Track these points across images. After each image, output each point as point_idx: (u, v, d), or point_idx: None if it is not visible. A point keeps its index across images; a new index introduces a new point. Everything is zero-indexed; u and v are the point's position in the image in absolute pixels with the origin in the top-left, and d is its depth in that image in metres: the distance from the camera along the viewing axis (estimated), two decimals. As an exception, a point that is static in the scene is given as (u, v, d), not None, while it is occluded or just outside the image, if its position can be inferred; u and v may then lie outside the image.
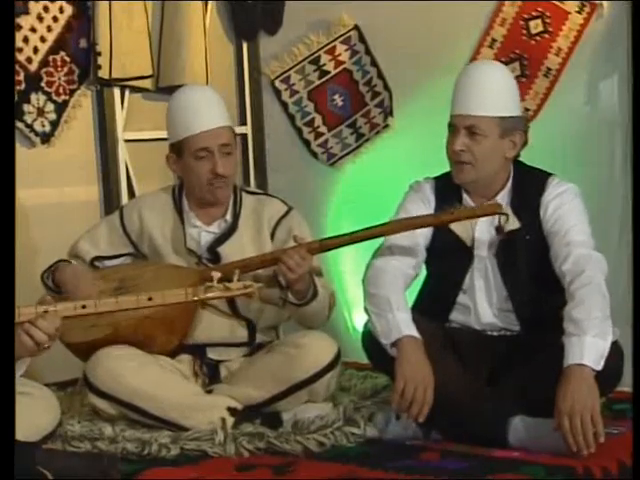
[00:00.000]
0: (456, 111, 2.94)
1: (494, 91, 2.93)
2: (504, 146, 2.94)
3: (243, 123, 4.29)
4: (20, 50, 3.66)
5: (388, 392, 3.06)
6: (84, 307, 2.66)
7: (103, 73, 3.80)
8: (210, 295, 2.78)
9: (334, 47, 4.09)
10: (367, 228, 3.02)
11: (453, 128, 2.94)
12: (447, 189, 3.04)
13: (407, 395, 2.71)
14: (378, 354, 2.89)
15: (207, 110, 3.14)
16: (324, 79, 4.14)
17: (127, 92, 3.96)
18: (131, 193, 3.96)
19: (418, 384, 2.72)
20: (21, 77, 3.67)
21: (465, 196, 3.01)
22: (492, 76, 2.97)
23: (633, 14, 3.21)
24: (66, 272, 3.12)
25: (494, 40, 3.68)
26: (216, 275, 2.77)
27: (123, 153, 3.96)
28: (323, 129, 4.18)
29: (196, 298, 2.78)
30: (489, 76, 2.96)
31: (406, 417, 2.75)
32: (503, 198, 2.97)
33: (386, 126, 4.00)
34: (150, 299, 2.74)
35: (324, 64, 4.13)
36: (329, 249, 3.11)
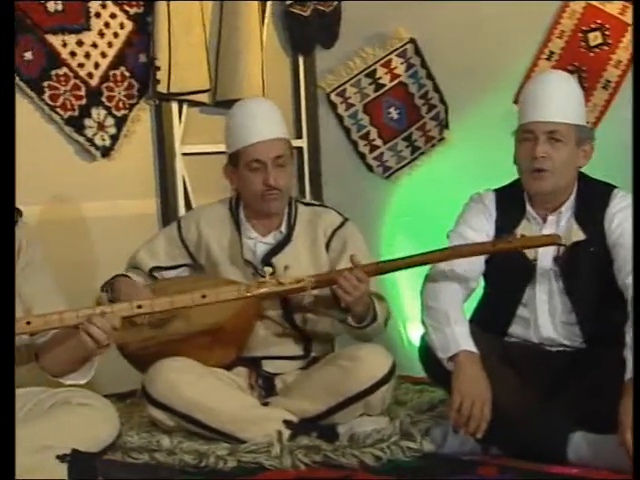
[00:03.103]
0: (533, 118, 2.90)
1: (571, 99, 2.93)
2: (579, 155, 2.93)
3: (299, 136, 4.31)
4: (82, 65, 3.73)
5: (445, 406, 3.04)
6: (140, 307, 2.69)
7: (162, 87, 3.85)
8: (263, 291, 2.78)
9: (390, 60, 4.10)
10: (425, 253, 2.97)
11: (530, 135, 2.90)
12: (509, 201, 3.02)
13: (464, 411, 2.70)
14: (435, 368, 2.88)
15: (262, 122, 3.15)
16: (380, 92, 4.15)
17: (185, 106, 4.00)
18: (188, 206, 3.99)
19: (475, 399, 2.70)
20: (82, 92, 3.73)
21: (528, 208, 2.98)
22: (567, 85, 2.97)
23: (633, 14, 3.19)
24: (122, 284, 3.16)
25: (552, 52, 3.66)
26: (269, 270, 2.77)
27: (180, 166, 4.00)
28: (378, 142, 4.18)
29: (249, 294, 2.78)
30: (565, 84, 2.96)
31: (463, 433, 2.73)
32: (567, 210, 2.95)
33: (442, 139, 4.00)
34: (204, 296, 2.75)
35: (380, 77, 4.14)
36: (386, 272, 3.08)
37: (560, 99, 2.91)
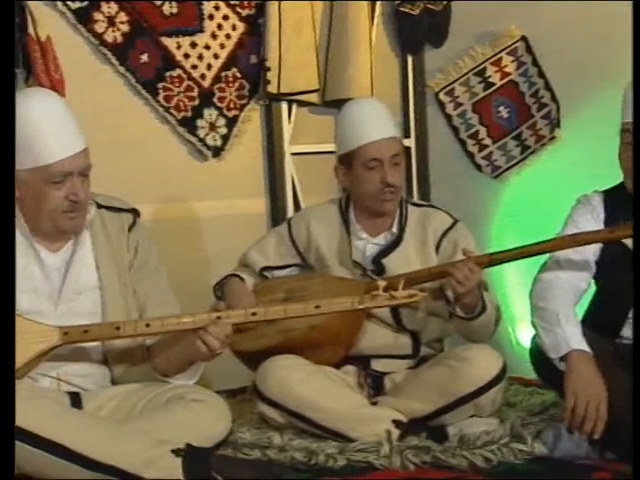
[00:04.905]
0: (629, 117, 2.86)
1: None
2: None
3: (407, 136, 4.31)
4: (195, 67, 3.80)
5: (557, 409, 3.01)
6: (254, 314, 2.71)
7: (272, 88, 3.90)
8: (376, 304, 2.79)
9: (500, 58, 4.07)
10: (537, 243, 2.97)
11: (630, 135, 2.86)
12: (618, 203, 2.96)
13: (579, 411, 2.66)
14: (547, 369, 2.85)
15: (377, 121, 3.17)
16: (489, 91, 4.12)
17: (294, 106, 4.04)
18: (297, 206, 4.03)
19: (590, 399, 2.66)
20: (195, 93, 3.80)
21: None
22: None
23: (633, 14, 3.12)
24: (229, 289, 3.21)
25: (664, 49, 3.58)
26: (382, 284, 2.78)
27: (289, 166, 4.04)
28: (487, 141, 4.15)
29: (362, 306, 2.78)
30: None
31: (579, 434, 2.70)
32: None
33: (552, 138, 3.95)
34: (317, 307, 2.77)
35: (489, 76, 4.11)
36: (498, 263, 3.08)
37: None
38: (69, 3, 3.52)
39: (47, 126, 2.58)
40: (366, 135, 3.13)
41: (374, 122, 3.15)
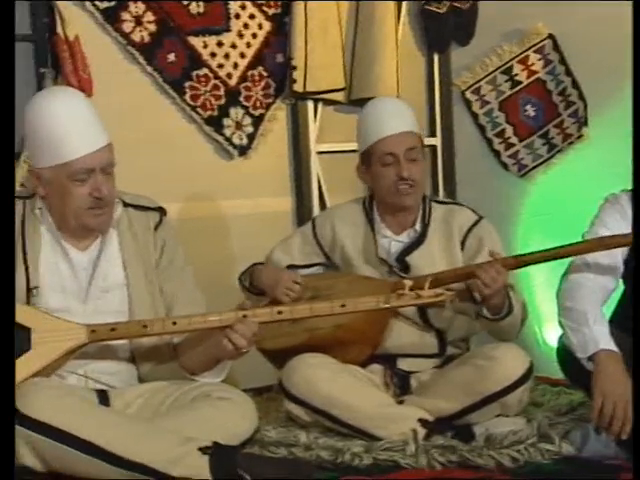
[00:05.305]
0: None
1: None
2: None
3: (433, 134, 4.30)
4: (221, 66, 3.80)
5: (585, 409, 2.99)
6: (280, 313, 2.72)
7: (298, 87, 3.90)
8: (402, 303, 2.78)
9: (527, 57, 4.06)
10: (564, 245, 2.95)
11: None
12: None
13: (607, 411, 2.65)
14: (574, 369, 2.84)
15: (392, 117, 3.18)
16: (516, 89, 4.11)
17: (320, 105, 4.04)
18: (322, 205, 4.03)
19: (618, 399, 2.65)
20: (221, 92, 3.81)
21: None
22: None
23: (633, 14, 3.10)
24: (262, 270, 3.22)
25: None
26: (408, 283, 2.78)
27: (315, 165, 4.04)
28: (514, 140, 4.14)
29: (387, 305, 2.78)
30: None
31: (606, 435, 2.68)
32: None
33: (580, 136, 3.93)
34: (343, 306, 2.77)
35: (516, 74, 4.09)
36: (525, 265, 3.07)
37: None
38: (97, 3, 3.54)
39: (68, 123, 2.60)
40: (381, 131, 3.15)
41: (389, 118, 3.16)
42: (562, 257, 2.98)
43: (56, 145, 2.59)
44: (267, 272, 3.22)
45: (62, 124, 2.59)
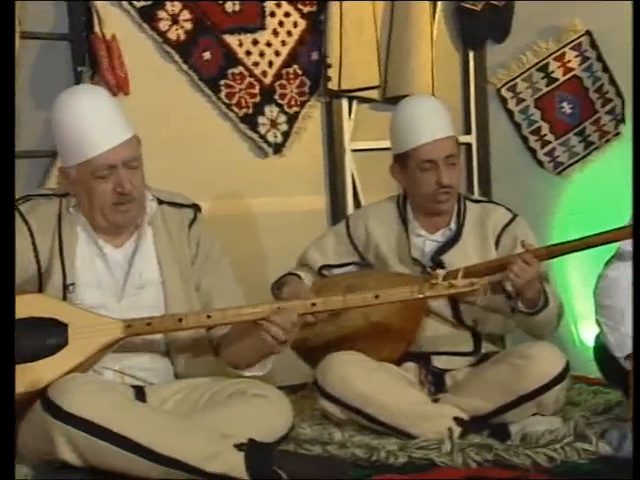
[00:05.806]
0: None
1: None
2: None
3: (468, 132, 4.28)
4: (256, 64, 3.82)
5: (622, 409, 2.97)
6: (314, 304, 2.71)
7: (333, 85, 3.91)
8: (435, 292, 2.76)
9: (564, 54, 4.04)
10: (599, 233, 2.92)
11: None
12: None
13: (645, 411, 2.62)
14: (611, 368, 2.83)
15: (431, 121, 3.14)
16: (552, 86, 4.09)
17: (354, 103, 4.04)
18: (357, 203, 4.02)
19: (656, 400, 2.62)
20: (256, 90, 3.83)
21: None
22: None
23: (633, 14, 3.08)
24: (286, 284, 3.21)
25: None
26: (441, 273, 2.76)
27: (350, 163, 4.04)
28: (550, 137, 4.12)
29: (421, 295, 2.76)
30: None
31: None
32: None
33: (617, 134, 3.90)
34: (376, 297, 2.75)
35: (552, 71, 4.07)
36: (557, 255, 3.04)
37: None
38: (134, 2, 3.56)
39: (88, 120, 2.59)
40: (420, 136, 3.11)
41: (428, 122, 3.13)
42: (594, 246, 2.95)
43: (78, 143, 2.60)
44: (289, 290, 3.19)
45: (83, 122, 2.59)
